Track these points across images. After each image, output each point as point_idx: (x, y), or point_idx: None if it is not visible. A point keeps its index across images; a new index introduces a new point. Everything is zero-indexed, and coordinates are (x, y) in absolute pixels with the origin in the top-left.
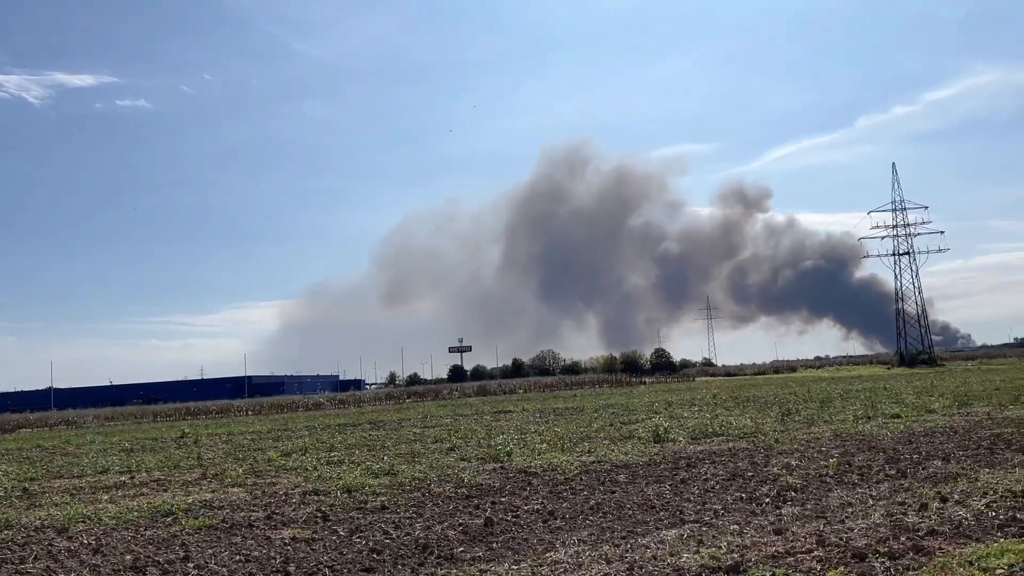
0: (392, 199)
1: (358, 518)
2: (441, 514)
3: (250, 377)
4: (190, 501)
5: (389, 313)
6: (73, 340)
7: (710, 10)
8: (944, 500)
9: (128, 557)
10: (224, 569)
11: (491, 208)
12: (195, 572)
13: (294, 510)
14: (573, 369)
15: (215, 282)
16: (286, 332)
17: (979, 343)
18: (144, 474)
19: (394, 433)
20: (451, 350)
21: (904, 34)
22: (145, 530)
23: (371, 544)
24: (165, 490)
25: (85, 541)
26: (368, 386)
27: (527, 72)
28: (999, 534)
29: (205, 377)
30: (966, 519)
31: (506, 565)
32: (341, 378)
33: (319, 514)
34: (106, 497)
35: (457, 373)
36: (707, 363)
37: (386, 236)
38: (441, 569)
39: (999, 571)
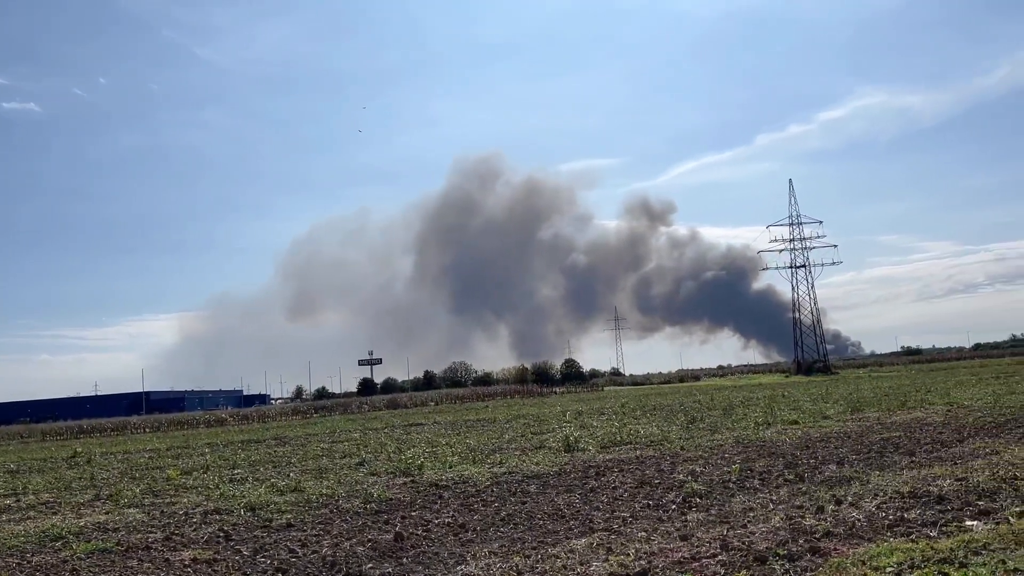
0: (298, 208)
1: (263, 537)
2: (350, 530)
3: (148, 393)
4: (82, 524)
5: (295, 325)
6: None
7: (617, 29)
8: (839, 503)
9: None
10: None
11: (402, 219)
12: None
13: (194, 530)
14: (485, 380)
15: (109, 294)
16: (186, 345)
17: (868, 351)
18: (32, 496)
19: (300, 449)
20: (361, 363)
21: (799, 56)
22: (32, 556)
23: (276, 563)
24: (55, 513)
25: None
26: (273, 401)
27: (438, 83)
28: (889, 534)
29: (99, 393)
30: (859, 520)
31: None
32: (245, 393)
33: (221, 534)
34: None
35: (367, 386)
36: (616, 373)
37: (292, 246)
38: None
39: (889, 569)
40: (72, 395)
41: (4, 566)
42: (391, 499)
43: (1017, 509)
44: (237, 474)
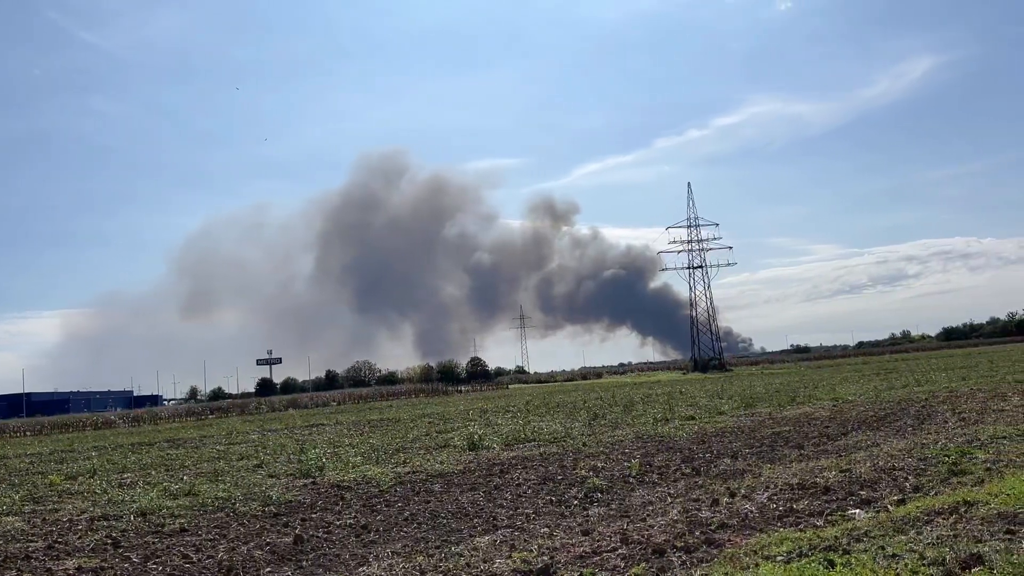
0: (194, 203)
1: (154, 543)
2: (247, 534)
3: (29, 394)
4: None
5: (190, 324)
6: None
7: (523, 29)
8: (733, 495)
9: None
10: None
11: (303, 215)
12: None
13: (80, 538)
14: (389, 379)
15: None
16: (71, 344)
17: (759, 349)
18: None
19: (195, 451)
20: (259, 362)
21: (697, 63)
22: None
23: (168, 570)
24: None
25: None
26: (166, 402)
27: (343, 77)
28: (779, 524)
29: None
30: (751, 512)
31: None
32: (136, 394)
33: (109, 541)
34: None
35: (266, 386)
36: (521, 371)
37: (186, 242)
38: None
39: (779, 558)
40: None
41: None
42: (291, 501)
43: (895, 498)
44: (126, 478)
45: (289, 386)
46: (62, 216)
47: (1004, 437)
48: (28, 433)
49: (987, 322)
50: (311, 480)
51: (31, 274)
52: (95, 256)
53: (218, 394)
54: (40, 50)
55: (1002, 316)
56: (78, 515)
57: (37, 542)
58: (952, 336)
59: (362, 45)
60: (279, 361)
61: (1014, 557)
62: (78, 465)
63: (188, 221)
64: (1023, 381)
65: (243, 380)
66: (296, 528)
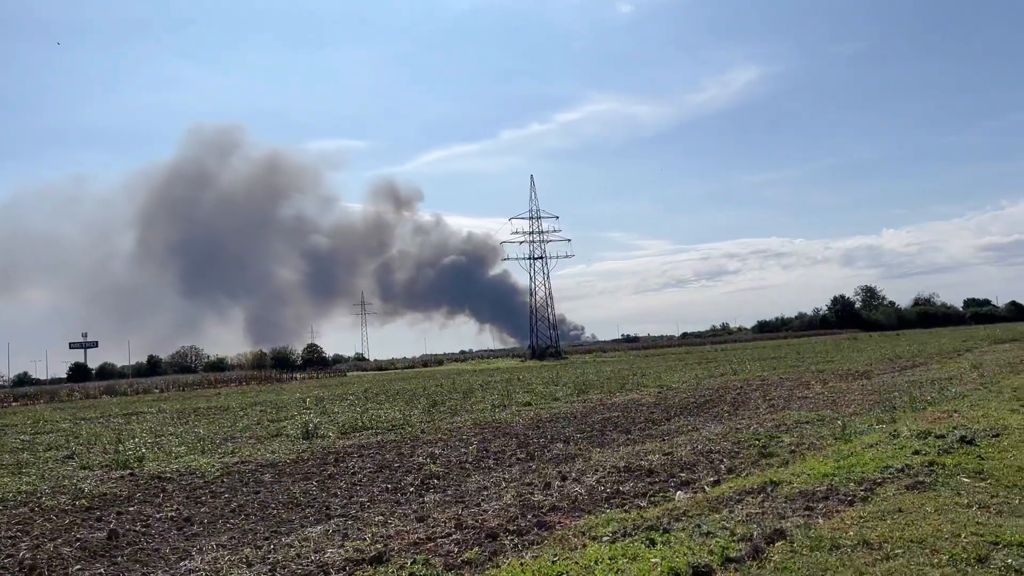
0: (1, 173)
1: None
2: (54, 530)
3: None
4: None
5: None
6: None
7: (371, 10)
8: (564, 479)
9: None
10: None
11: (125, 189)
12: None
13: None
14: (218, 366)
15: None
16: None
17: (590, 336)
18: None
19: None
20: (72, 346)
21: (542, 57)
22: None
23: None
24: None
25: None
26: None
27: (177, 42)
28: (606, 505)
29: None
30: (581, 494)
31: None
32: None
33: None
34: None
35: (80, 371)
36: (360, 358)
37: None
38: None
39: (605, 538)
40: None
41: None
42: (106, 494)
43: (712, 479)
44: None
45: (106, 372)
46: None
47: (806, 422)
48: None
49: (795, 316)
50: (129, 472)
51: None
52: None
53: (24, 379)
54: None
55: (808, 311)
56: None
57: None
58: (765, 328)
59: (199, 12)
60: (95, 345)
61: (811, 531)
62: None
63: None
64: (824, 371)
65: (53, 365)
66: (111, 522)
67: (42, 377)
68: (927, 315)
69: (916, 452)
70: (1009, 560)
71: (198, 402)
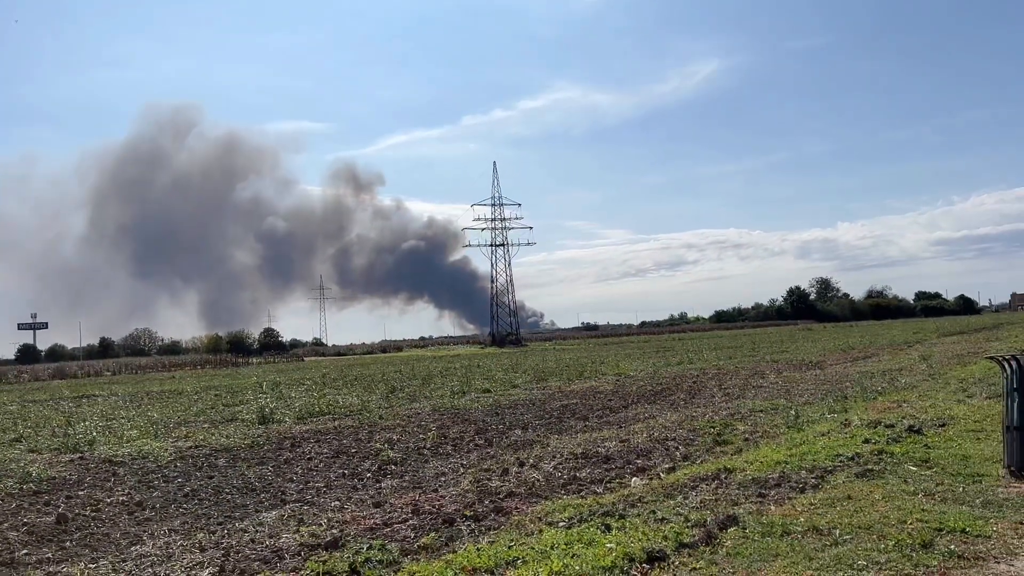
0: None
1: None
2: (0, 514)
3: None
4: None
5: None
6: None
7: None
8: (522, 465)
9: None
10: None
11: (76, 169)
12: None
13: None
14: (172, 349)
15: None
16: None
17: (549, 323)
18: None
19: None
20: (21, 327)
21: (506, 44)
22: None
23: None
24: None
25: None
26: None
27: (129, 21)
28: (563, 492)
29: None
30: (538, 480)
31: (82, 565)
32: None
33: None
34: None
35: (28, 353)
36: (318, 343)
37: None
38: None
39: (561, 524)
40: None
41: None
42: (55, 478)
43: (667, 466)
44: None
45: (56, 353)
46: None
47: (761, 410)
48: None
49: (752, 307)
50: (79, 455)
51: None
52: None
53: None
54: None
55: (764, 302)
56: None
57: None
58: (722, 318)
59: None
60: (45, 326)
61: (763, 517)
62: None
63: None
64: (778, 361)
65: (1, 346)
66: (60, 507)
67: None
68: (879, 307)
69: (866, 441)
70: (952, 546)
71: (151, 385)
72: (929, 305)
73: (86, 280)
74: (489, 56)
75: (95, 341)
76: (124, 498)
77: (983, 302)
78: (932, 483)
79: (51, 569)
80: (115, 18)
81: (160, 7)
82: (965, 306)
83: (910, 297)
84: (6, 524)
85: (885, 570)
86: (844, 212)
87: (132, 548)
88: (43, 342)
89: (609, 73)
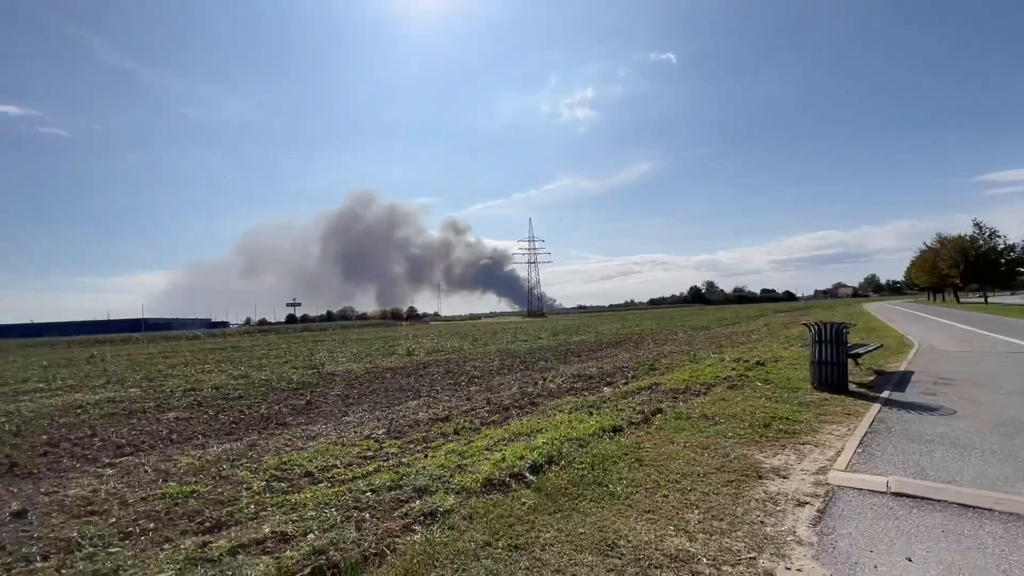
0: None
1: (222, 404)
2: (279, 400)
3: (145, 319)
4: (97, 398)
5: (244, 281)
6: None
7: (448, 124)
8: (545, 380)
9: (44, 437)
10: (123, 439)
11: (314, 222)
12: (99, 443)
13: (177, 401)
14: (363, 317)
15: (114, 252)
16: (173, 291)
17: (560, 306)
18: (59, 382)
19: (248, 353)
20: (287, 305)
21: (536, 153)
22: (60, 418)
23: (231, 419)
24: (77, 392)
25: (7, 428)
26: (231, 325)
27: (342, 147)
28: (567, 394)
29: (111, 319)
30: (553, 388)
31: (319, 426)
32: (212, 320)
33: (195, 403)
34: (26, 398)
35: (291, 319)
36: (436, 315)
37: (246, 233)
38: (277, 431)
39: (566, 410)
40: (91, 319)
41: (38, 426)
42: (304, 382)
43: (623, 382)
44: (207, 368)
45: (306, 318)
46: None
47: (675, 352)
48: (145, 342)
49: (670, 297)
50: (315, 370)
51: (146, 244)
52: (184, 236)
53: (263, 322)
54: None
55: (677, 294)
56: (176, 388)
57: (150, 403)
58: (654, 303)
59: (361, 126)
60: (299, 305)
61: (676, 409)
62: (176, 359)
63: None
64: (684, 327)
65: (279, 315)
66: (307, 396)
67: (272, 321)
68: (742, 297)
69: (733, 369)
70: (781, 426)
71: (351, 335)
72: (769, 296)
73: (320, 281)
74: (528, 159)
75: (324, 312)
76: (339, 393)
77: (800, 295)
78: (770, 392)
79: (304, 427)
80: (334, 146)
81: (358, 136)
82: (788, 296)
83: (758, 291)
84: (282, 405)
85: (744, 438)
86: (721, 245)
87: (344, 418)
88: (298, 312)
89: (590, 169)
